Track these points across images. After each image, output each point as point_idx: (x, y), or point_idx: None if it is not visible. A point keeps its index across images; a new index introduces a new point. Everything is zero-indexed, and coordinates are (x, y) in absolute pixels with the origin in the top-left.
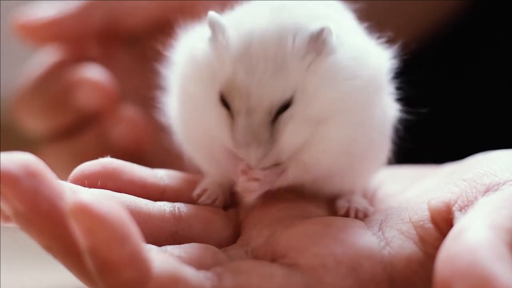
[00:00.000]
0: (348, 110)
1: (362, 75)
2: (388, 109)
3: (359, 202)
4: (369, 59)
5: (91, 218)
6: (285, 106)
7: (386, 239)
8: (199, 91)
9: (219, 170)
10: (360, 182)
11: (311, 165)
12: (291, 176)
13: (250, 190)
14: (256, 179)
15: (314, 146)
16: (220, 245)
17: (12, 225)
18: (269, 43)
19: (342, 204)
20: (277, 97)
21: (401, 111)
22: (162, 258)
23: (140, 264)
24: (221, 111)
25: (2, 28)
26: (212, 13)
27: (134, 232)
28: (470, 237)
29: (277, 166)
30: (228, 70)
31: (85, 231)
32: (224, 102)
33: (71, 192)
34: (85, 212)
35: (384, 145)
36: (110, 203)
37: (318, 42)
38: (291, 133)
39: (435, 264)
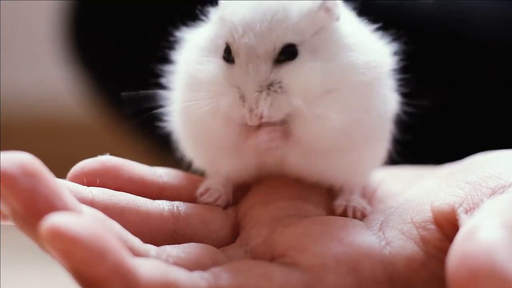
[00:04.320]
0: (349, 88)
1: (364, 58)
2: (388, 100)
3: (357, 201)
4: (371, 48)
5: (65, 241)
6: (290, 54)
7: (386, 239)
8: (204, 66)
9: (221, 162)
10: (361, 172)
11: (310, 141)
12: (293, 155)
13: (264, 143)
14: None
15: (313, 122)
16: (219, 244)
17: (10, 223)
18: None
19: (340, 203)
20: (280, 38)
21: (401, 103)
22: (150, 264)
23: (125, 275)
24: (226, 71)
25: (2, 28)
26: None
27: (113, 244)
28: (484, 236)
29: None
30: (237, 17)
31: (62, 255)
32: (228, 57)
33: (69, 194)
34: (58, 237)
35: (384, 136)
36: (82, 220)
37: (326, 9)
38: (297, 77)
39: (448, 263)
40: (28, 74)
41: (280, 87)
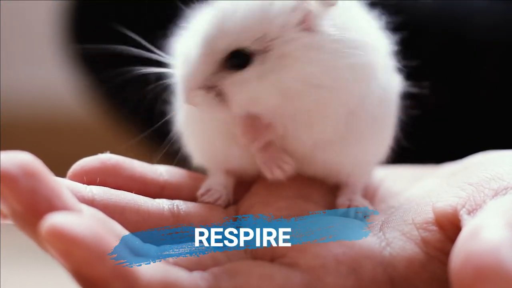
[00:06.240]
0: (335, 86)
1: (348, 55)
2: (390, 84)
3: (360, 201)
4: (365, 40)
5: (66, 241)
6: (240, 61)
7: (387, 239)
8: None
9: (224, 161)
10: (365, 166)
11: (309, 128)
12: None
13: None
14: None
15: (312, 110)
16: None
17: (9, 221)
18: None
19: (342, 203)
20: (228, 43)
21: (404, 85)
22: (150, 265)
23: (125, 275)
24: None
25: (2, 28)
26: None
27: (114, 244)
28: (489, 235)
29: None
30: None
31: (63, 255)
32: None
33: (69, 193)
34: (58, 237)
35: (389, 121)
36: (82, 220)
37: (297, 16)
38: (239, 92)
39: (451, 263)
40: (28, 74)
41: (219, 94)
